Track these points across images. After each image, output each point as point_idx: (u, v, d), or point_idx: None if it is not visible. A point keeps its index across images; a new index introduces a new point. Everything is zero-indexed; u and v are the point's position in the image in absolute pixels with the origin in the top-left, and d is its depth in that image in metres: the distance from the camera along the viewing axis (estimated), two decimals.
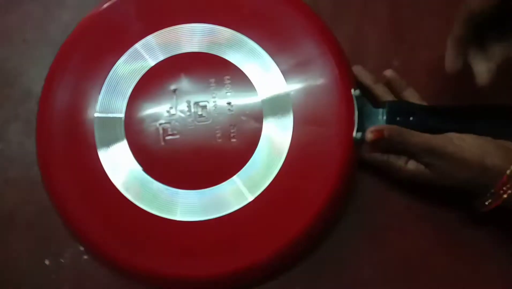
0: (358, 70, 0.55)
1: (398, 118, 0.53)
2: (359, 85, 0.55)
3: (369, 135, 0.50)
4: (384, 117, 0.53)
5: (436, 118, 0.53)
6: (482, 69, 0.49)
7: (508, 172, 0.47)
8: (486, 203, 0.49)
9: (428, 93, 0.56)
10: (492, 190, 0.48)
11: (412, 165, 0.51)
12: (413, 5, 0.53)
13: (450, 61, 0.50)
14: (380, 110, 0.54)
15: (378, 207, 0.56)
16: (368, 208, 0.56)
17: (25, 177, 0.56)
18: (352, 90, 0.53)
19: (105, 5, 0.56)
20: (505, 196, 0.47)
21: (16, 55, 0.60)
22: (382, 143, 0.51)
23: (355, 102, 0.52)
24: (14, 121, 0.58)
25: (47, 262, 0.54)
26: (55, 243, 0.54)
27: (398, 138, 0.50)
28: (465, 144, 0.48)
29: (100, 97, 0.53)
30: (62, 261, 0.54)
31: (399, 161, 0.51)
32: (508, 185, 0.47)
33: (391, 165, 0.52)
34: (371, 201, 0.56)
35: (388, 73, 0.55)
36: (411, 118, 0.53)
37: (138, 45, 0.54)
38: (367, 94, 0.56)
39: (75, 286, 0.54)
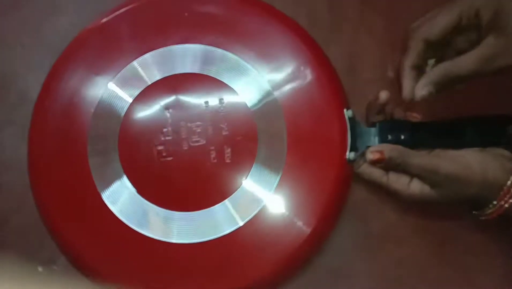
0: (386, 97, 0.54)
1: (389, 137, 0.53)
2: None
3: (369, 156, 0.51)
4: (376, 137, 0.54)
5: (427, 133, 0.54)
6: (411, 84, 0.50)
7: (508, 183, 0.48)
8: (487, 212, 0.50)
9: (422, 104, 0.56)
10: (494, 202, 0.48)
11: (416, 187, 0.51)
12: (409, 17, 0.52)
13: (409, 91, 0.50)
14: (372, 129, 0.54)
15: (373, 217, 0.57)
16: (363, 218, 0.56)
17: (19, 182, 0.55)
18: (345, 110, 0.53)
19: (103, 20, 0.55)
20: (506, 205, 0.48)
21: (13, 59, 0.59)
22: (383, 164, 0.51)
23: (347, 122, 0.53)
24: (9, 125, 0.58)
25: (40, 269, 0.55)
26: (48, 250, 0.55)
27: (398, 160, 0.50)
28: (467, 162, 0.49)
29: (94, 115, 0.53)
30: (55, 268, 0.55)
31: (400, 183, 0.51)
32: (508, 195, 0.48)
33: (392, 188, 0.52)
34: (366, 211, 0.57)
35: (383, 95, 0.54)
36: (402, 137, 0.53)
37: (135, 63, 0.54)
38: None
39: None
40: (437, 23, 0.48)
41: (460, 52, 0.49)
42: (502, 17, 0.45)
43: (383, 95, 0.53)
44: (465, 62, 0.48)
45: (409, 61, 0.50)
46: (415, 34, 0.49)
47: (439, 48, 0.50)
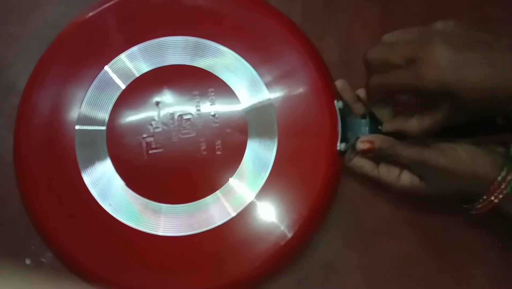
0: (343, 86, 0.55)
1: (379, 127, 0.53)
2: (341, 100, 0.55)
3: (360, 145, 0.51)
4: (367, 128, 0.54)
5: None
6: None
7: (499, 178, 0.47)
8: (477, 207, 0.49)
9: None
10: (484, 196, 0.48)
11: (406, 179, 0.51)
12: (403, 11, 0.53)
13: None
14: (363, 120, 0.54)
15: (365, 211, 0.56)
16: (355, 212, 0.56)
17: (6, 174, 0.55)
18: (335, 102, 0.53)
19: (90, 14, 0.55)
20: (496, 201, 0.48)
21: (1, 48, 0.59)
22: (373, 154, 0.51)
23: (338, 113, 0.53)
24: None
25: (27, 261, 0.54)
26: (36, 242, 0.54)
27: (389, 151, 0.50)
28: (457, 155, 0.49)
29: (82, 108, 0.53)
30: (43, 260, 0.54)
31: (391, 176, 0.51)
32: (498, 191, 0.48)
33: (383, 180, 0.52)
34: (358, 205, 0.56)
35: (339, 83, 0.54)
36: None
37: (122, 56, 0.53)
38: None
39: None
40: (387, 83, 0.49)
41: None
42: (454, 92, 0.45)
43: (339, 83, 0.54)
44: (418, 126, 0.49)
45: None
46: (369, 93, 0.52)
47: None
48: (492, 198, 0.48)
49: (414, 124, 0.50)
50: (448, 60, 0.44)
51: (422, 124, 0.49)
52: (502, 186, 0.47)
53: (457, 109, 0.46)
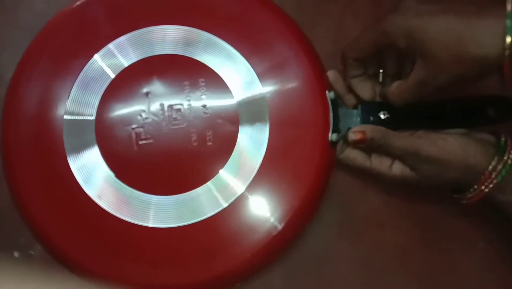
0: (334, 77, 0.54)
1: (371, 118, 0.54)
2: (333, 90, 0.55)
3: (351, 136, 0.51)
4: (359, 118, 0.54)
5: (408, 114, 0.53)
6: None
7: (490, 168, 0.48)
8: (468, 197, 0.50)
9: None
10: (475, 186, 0.48)
11: (397, 169, 0.51)
12: (394, 1, 0.53)
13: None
14: (354, 111, 0.54)
15: (357, 202, 0.57)
16: (347, 204, 0.57)
17: None
18: (327, 92, 0.53)
19: (77, 3, 0.54)
20: (486, 190, 0.48)
21: None
22: (365, 144, 0.51)
23: (330, 104, 0.53)
24: None
25: (16, 254, 0.54)
26: (24, 235, 0.53)
27: (381, 141, 0.50)
28: (448, 145, 0.49)
29: (70, 98, 0.52)
30: (32, 253, 0.54)
31: (383, 166, 0.51)
32: (489, 180, 0.48)
33: (375, 171, 0.52)
34: (350, 197, 0.57)
35: (330, 74, 0.54)
36: (383, 117, 0.53)
37: (110, 46, 0.52)
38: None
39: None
40: (360, 40, 0.51)
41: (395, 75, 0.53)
42: (419, 41, 0.46)
43: (330, 74, 0.54)
44: (401, 90, 0.50)
45: (349, 76, 0.53)
46: (344, 54, 0.52)
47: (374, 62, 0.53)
48: (483, 187, 0.48)
49: (393, 89, 0.51)
50: (413, 9, 0.46)
51: (401, 87, 0.50)
52: (493, 176, 0.48)
53: (433, 70, 0.46)
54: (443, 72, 0.46)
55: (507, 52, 0.43)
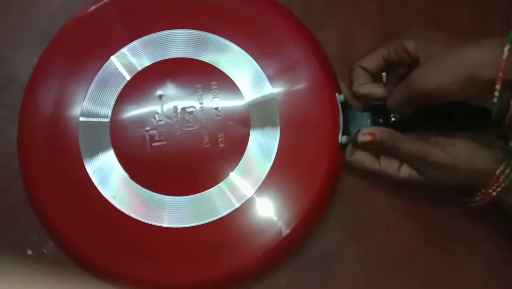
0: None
1: (380, 120, 0.54)
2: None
3: (361, 137, 0.51)
4: (368, 120, 0.54)
5: (416, 115, 0.54)
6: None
7: (497, 172, 0.48)
8: (476, 200, 0.50)
9: None
10: (483, 190, 0.49)
11: (405, 172, 0.52)
12: (401, 4, 0.53)
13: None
14: (364, 113, 0.55)
15: (363, 203, 0.57)
16: (353, 205, 0.57)
17: (7, 165, 0.55)
18: (337, 95, 0.53)
19: (92, 8, 0.54)
20: (494, 194, 0.49)
21: (1, 40, 0.58)
22: (374, 146, 0.52)
23: (339, 106, 0.53)
24: None
25: (29, 252, 0.54)
26: (37, 233, 0.54)
27: (389, 144, 0.51)
28: (456, 151, 0.49)
29: (85, 101, 0.52)
30: (45, 251, 0.54)
31: (391, 169, 0.52)
32: (496, 184, 0.48)
33: (384, 173, 0.52)
34: (356, 198, 0.57)
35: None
36: (392, 119, 0.54)
37: (124, 49, 0.53)
38: None
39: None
40: (371, 55, 0.53)
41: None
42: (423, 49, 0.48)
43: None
44: (396, 92, 0.51)
45: (357, 84, 0.54)
46: (355, 65, 0.54)
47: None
48: (491, 191, 0.49)
49: (396, 90, 0.52)
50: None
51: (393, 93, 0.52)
52: (500, 180, 0.48)
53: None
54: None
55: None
